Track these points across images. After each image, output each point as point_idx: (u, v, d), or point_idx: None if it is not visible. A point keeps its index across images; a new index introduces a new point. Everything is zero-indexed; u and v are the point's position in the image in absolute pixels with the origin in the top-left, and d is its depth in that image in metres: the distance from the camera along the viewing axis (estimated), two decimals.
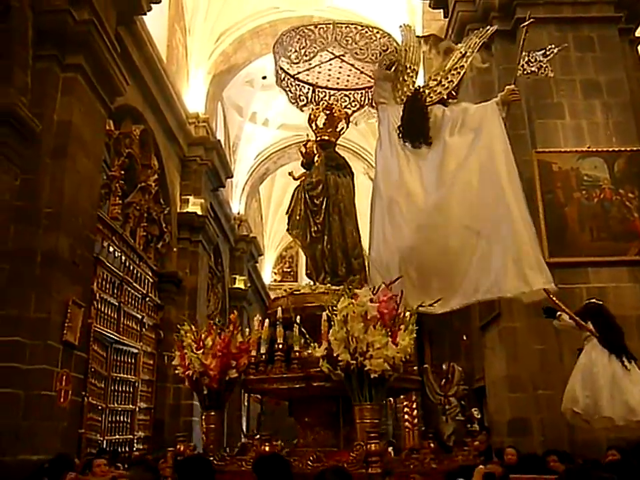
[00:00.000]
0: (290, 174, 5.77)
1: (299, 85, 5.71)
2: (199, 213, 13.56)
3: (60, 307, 7.11)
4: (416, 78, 5.17)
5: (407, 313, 3.94)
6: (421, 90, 5.01)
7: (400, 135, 4.94)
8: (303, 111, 5.76)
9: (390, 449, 5.78)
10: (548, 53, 4.66)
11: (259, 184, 21.56)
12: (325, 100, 5.73)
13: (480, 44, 5.02)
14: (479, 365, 9.62)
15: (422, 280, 4.60)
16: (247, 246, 19.44)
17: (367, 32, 5.12)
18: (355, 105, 5.77)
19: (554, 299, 4.31)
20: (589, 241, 7.41)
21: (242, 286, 18.49)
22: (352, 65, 5.51)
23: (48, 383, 6.77)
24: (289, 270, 28.13)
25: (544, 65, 4.65)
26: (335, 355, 3.80)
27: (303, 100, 5.74)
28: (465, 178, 4.66)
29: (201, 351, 4.55)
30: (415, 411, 9.22)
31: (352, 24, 5.21)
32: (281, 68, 5.58)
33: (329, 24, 5.17)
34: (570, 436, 6.76)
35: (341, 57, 5.42)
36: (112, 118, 9.47)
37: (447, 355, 10.31)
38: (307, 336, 4.15)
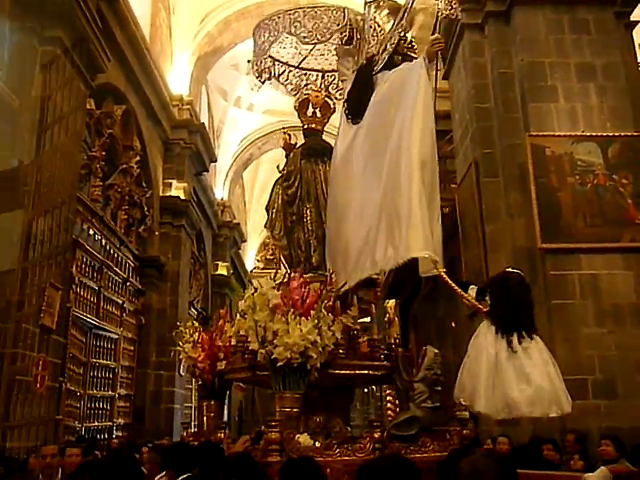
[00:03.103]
0: (277, 167, 5.58)
1: (304, 74, 5.62)
2: (182, 197, 13.26)
3: (37, 289, 6.85)
4: (367, 48, 4.87)
5: (319, 300, 3.82)
6: (372, 59, 4.70)
7: (345, 111, 4.71)
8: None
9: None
10: None
11: (242, 170, 21.22)
12: (329, 84, 5.62)
13: None
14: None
15: (348, 262, 4.32)
16: (230, 232, 19.16)
17: (316, 12, 4.92)
18: None
19: (441, 272, 3.94)
20: (582, 227, 7.25)
21: (224, 272, 18.22)
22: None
23: (24, 367, 6.53)
24: (272, 257, 27.87)
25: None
26: (244, 344, 3.95)
27: (311, 86, 5.57)
28: (386, 145, 4.22)
29: (190, 345, 4.83)
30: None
31: (300, 8, 5.04)
32: (278, 60, 5.45)
33: (280, 14, 5.03)
34: (561, 425, 6.64)
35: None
36: (93, 97, 9.17)
37: (433, 342, 10.15)
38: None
